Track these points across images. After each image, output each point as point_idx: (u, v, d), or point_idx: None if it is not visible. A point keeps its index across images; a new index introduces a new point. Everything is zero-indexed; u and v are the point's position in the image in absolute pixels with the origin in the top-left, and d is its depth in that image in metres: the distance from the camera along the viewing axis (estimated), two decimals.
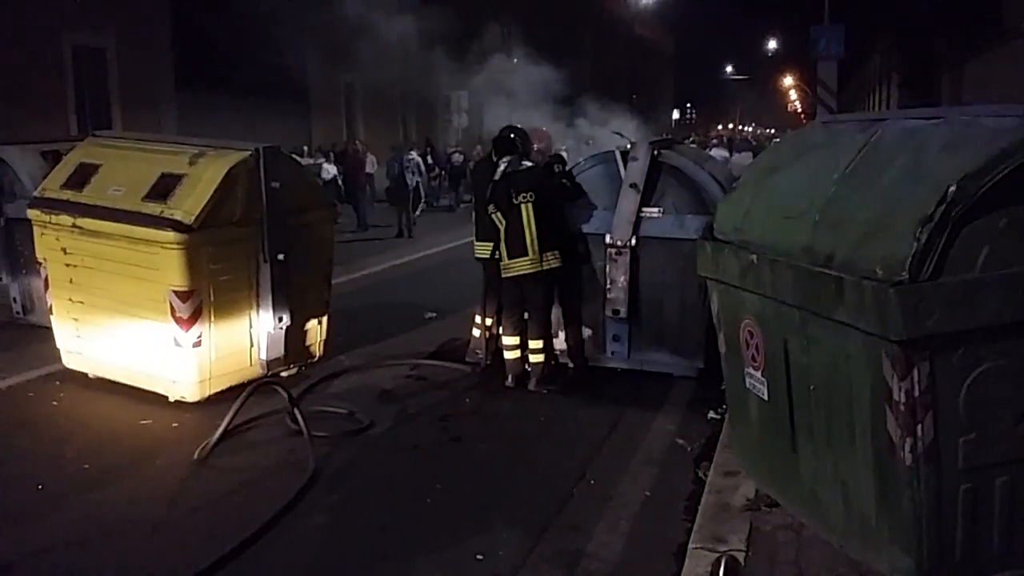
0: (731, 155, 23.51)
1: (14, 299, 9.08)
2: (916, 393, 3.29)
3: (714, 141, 30.97)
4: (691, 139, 43.20)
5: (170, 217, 6.10)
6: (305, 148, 22.51)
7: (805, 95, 69.18)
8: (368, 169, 21.11)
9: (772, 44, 79.88)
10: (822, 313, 3.64)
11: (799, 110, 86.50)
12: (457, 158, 24.98)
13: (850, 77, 38.13)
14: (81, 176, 6.82)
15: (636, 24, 64.73)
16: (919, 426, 3.32)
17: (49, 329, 7.30)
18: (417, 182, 18.82)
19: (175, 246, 6.06)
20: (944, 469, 3.36)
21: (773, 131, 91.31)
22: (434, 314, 9.29)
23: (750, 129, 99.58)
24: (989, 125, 3.56)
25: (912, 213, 3.33)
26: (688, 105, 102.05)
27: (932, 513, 3.37)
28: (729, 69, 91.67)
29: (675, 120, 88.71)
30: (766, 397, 4.26)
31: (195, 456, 5.42)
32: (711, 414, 6.18)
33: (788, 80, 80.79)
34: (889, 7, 27.65)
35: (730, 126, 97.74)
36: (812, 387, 3.88)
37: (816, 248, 3.80)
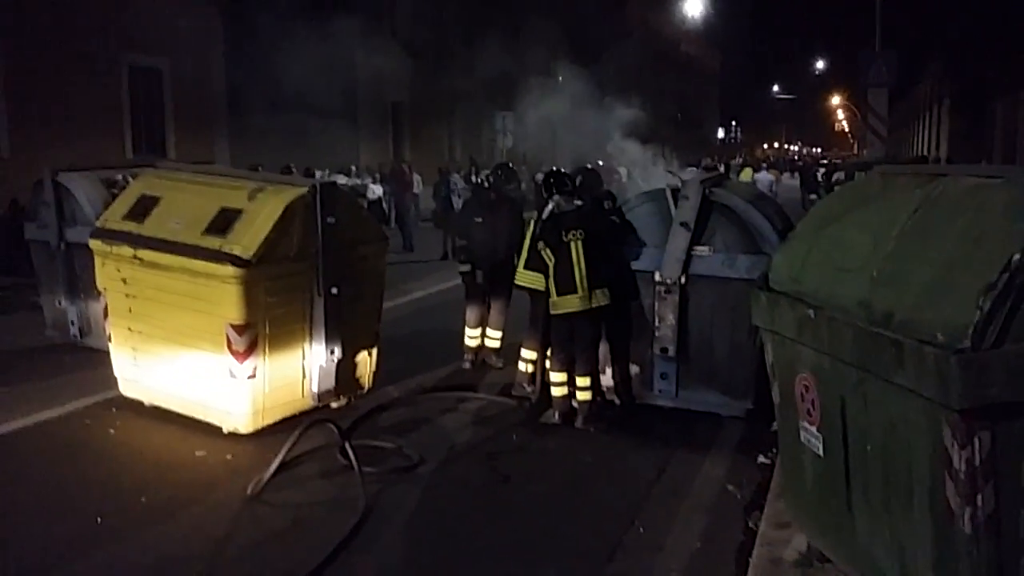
0: (790, 178, 23.53)
1: (72, 322, 9.32)
2: (977, 462, 3.26)
3: (763, 165, 30.65)
4: (739, 158, 42.87)
5: (229, 252, 6.23)
6: (353, 168, 22.77)
7: (852, 115, 68.59)
8: (414, 190, 21.31)
9: (820, 64, 79.32)
10: (881, 375, 3.61)
11: (846, 130, 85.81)
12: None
13: (899, 100, 37.67)
14: (142, 208, 6.99)
15: (683, 43, 64.64)
16: (979, 495, 3.28)
17: (105, 353, 7.49)
18: None
19: (233, 280, 6.18)
20: (1004, 539, 3.31)
21: (820, 150, 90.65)
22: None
23: (795, 148, 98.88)
24: None
25: (974, 279, 3.31)
26: (733, 123, 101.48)
27: None
28: (775, 88, 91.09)
29: (720, 139, 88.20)
30: (821, 453, 4.23)
31: (248, 491, 5.50)
32: (761, 459, 6.14)
33: (835, 100, 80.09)
34: (941, 31, 27.35)
35: (775, 145, 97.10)
36: (869, 447, 3.85)
37: (874, 304, 3.78)
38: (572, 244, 6.77)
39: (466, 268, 8.56)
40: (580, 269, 6.74)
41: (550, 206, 7.03)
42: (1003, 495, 3.29)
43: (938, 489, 3.40)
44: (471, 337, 8.65)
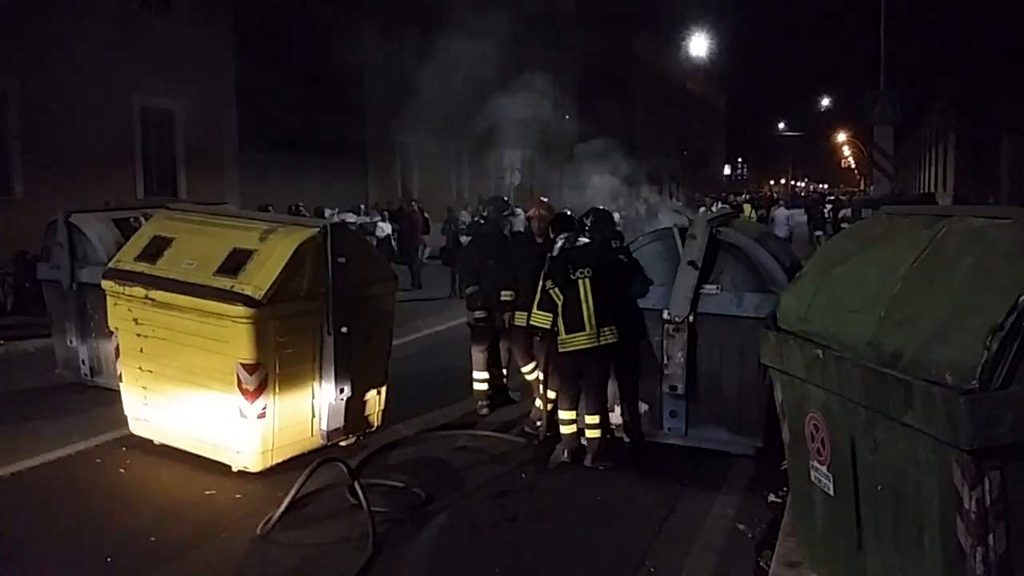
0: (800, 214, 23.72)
1: (83, 361, 9.36)
2: (987, 502, 3.26)
3: (781, 202, 30.66)
4: (744, 196, 43.03)
5: (240, 292, 6.28)
6: (362, 206, 22.91)
7: (859, 151, 68.89)
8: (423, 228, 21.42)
9: (825, 101, 79.72)
10: (890, 415, 3.63)
11: (852, 166, 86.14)
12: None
13: (905, 137, 37.85)
14: (155, 249, 7.07)
15: (688, 81, 65.17)
16: (990, 535, 3.28)
17: (115, 392, 7.54)
18: None
19: (244, 320, 6.22)
20: None
21: (826, 186, 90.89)
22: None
23: (802, 184, 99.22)
24: None
25: (981, 320, 3.33)
26: (739, 160, 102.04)
27: None
28: (781, 125, 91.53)
29: (726, 175, 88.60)
30: (831, 492, 4.23)
31: (258, 531, 5.50)
32: (771, 497, 6.12)
33: (841, 136, 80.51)
34: (946, 68, 27.53)
35: (782, 181, 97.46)
36: (880, 487, 3.85)
37: (882, 345, 3.81)
38: (580, 282, 6.81)
39: (482, 315, 8.22)
40: (588, 307, 6.77)
41: (559, 244, 7.06)
42: (1014, 535, 3.29)
43: (949, 529, 3.40)
44: (481, 380, 8.40)
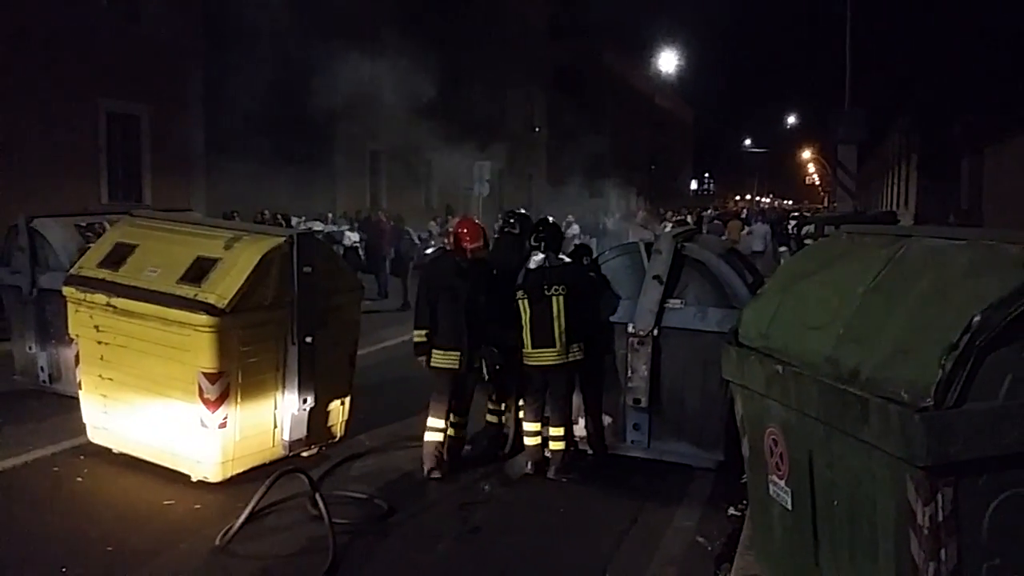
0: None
1: (41, 368, 9.24)
2: (940, 518, 3.32)
3: (758, 218, 31.00)
4: (711, 210, 43.36)
5: (203, 300, 6.23)
6: (329, 215, 22.80)
7: (823, 168, 69.79)
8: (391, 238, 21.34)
9: (791, 119, 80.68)
10: (847, 431, 3.68)
11: (817, 183, 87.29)
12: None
13: (869, 155, 38.37)
14: (117, 256, 6.99)
15: (657, 96, 65.67)
16: (943, 551, 3.34)
17: (74, 399, 7.43)
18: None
19: (207, 329, 6.17)
20: None
21: (791, 203, 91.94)
22: None
23: (767, 200, 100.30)
24: (1011, 252, 3.64)
25: (937, 339, 3.39)
26: (706, 175, 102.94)
27: None
28: (747, 141, 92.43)
29: (693, 190, 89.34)
30: (790, 506, 4.28)
31: (217, 542, 5.44)
32: (731, 510, 6.17)
33: (806, 153, 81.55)
34: (909, 89, 28.00)
35: (747, 197, 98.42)
36: (836, 501, 3.90)
37: (841, 361, 3.86)
38: (554, 299, 6.79)
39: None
40: (559, 324, 6.77)
41: (539, 257, 6.95)
42: (966, 550, 3.35)
43: (902, 544, 3.46)
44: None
